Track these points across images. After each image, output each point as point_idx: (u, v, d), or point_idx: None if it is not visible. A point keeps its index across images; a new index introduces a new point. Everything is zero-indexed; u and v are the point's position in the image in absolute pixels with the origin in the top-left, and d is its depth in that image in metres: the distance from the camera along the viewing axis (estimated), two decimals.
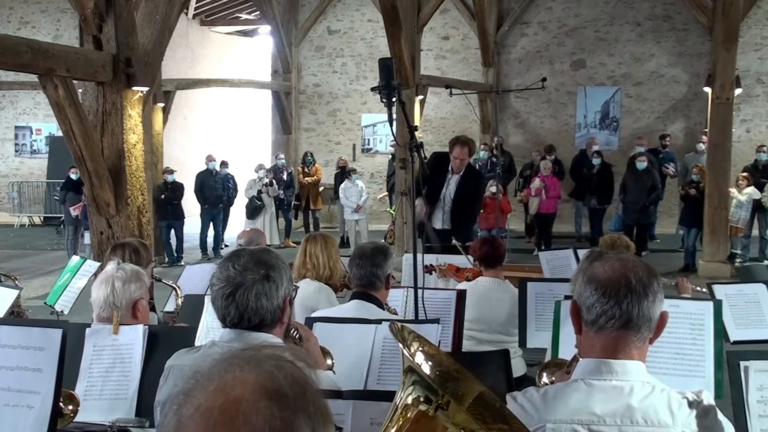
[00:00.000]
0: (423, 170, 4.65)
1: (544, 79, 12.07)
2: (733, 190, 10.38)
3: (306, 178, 13.74)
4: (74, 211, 11.09)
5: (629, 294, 1.65)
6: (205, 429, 0.84)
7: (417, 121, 10.18)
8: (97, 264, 4.69)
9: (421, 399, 1.09)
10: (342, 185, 12.82)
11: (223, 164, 12.71)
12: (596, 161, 12.29)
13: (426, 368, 1.13)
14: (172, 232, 11.76)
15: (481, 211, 9.42)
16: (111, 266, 2.79)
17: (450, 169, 6.44)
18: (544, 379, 2.42)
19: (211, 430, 0.84)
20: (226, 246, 12.45)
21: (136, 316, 2.74)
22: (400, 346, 1.16)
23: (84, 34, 6.01)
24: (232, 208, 12.96)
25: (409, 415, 1.10)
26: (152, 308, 3.72)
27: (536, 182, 11.69)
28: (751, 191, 10.35)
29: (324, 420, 0.90)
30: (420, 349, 1.14)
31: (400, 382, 1.15)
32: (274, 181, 12.85)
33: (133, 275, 2.75)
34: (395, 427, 1.11)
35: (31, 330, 2.36)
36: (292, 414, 0.86)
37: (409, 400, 1.11)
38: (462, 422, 1.06)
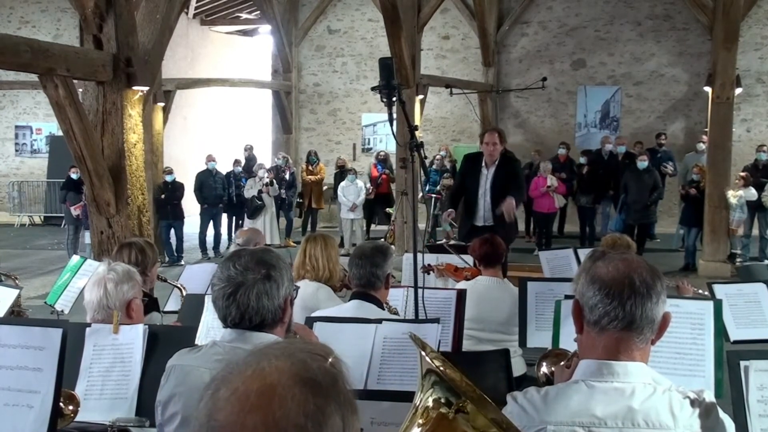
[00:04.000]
0: (424, 170, 4.65)
1: (544, 79, 12.12)
2: (728, 192, 10.35)
3: (309, 176, 13.73)
4: (75, 211, 11.08)
5: (633, 295, 1.64)
6: (241, 411, 0.87)
7: (417, 121, 10.18)
8: (98, 263, 4.68)
9: (442, 401, 1.10)
10: (341, 184, 12.84)
11: (236, 162, 13.05)
12: (583, 160, 12.27)
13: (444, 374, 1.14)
14: (172, 231, 11.76)
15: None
16: (102, 268, 2.77)
17: (484, 163, 6.34)
18: (543, 369, 2.43)
19: (246, 412, 0.87)
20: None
21: (131, 316, 2.73)
22: (420, 351, 1.17)
23: (84, 33, 6.02)
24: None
25: (430, 416, 1.11)
26: (155, 307, 3.70)
27: (551, 179, 11.67)
28: (743, 193, 10.25)
29: (352, 410, 0.94)
30: (440, 368, 1.15)
31: (418, 385, 1.16)
32: (274, 180, 12.85)
33: (124, 276, 2.73)
34: (416, 427, 1.13)
35: (31, 329, 2.36)
36: (324, 401, 0.90)
37: (430, 402, 1.12)
38: (482, 427, 1.07)
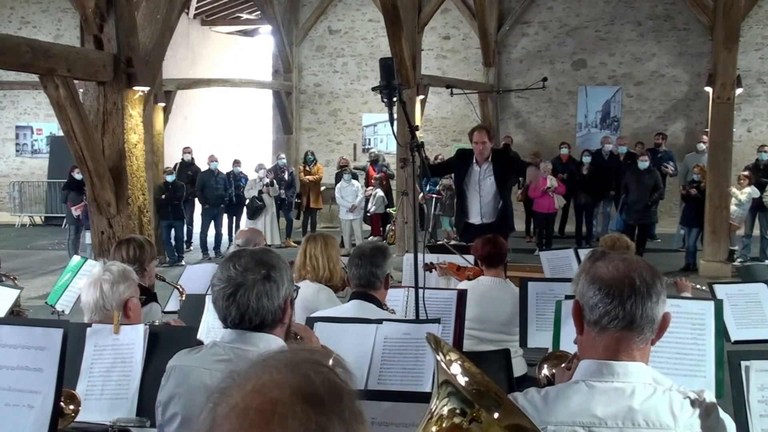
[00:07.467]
0: (424, 170, 4.64)
1: (544, 79, 12.10)
2: (734, 189, 10.37)
3: (307, 177, 13.74)
4: (75, 211, 11.07)
5: (633, 295, 1.64)
6: (240, 429, 0.84)
7: (418, 121, 10.17)
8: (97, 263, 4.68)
9: (457, 411, 1.10)
10: (338, 185, 12.84)
11: (236, 162, 12.97)
12: (586, 159, 12.25)
13: (461, 380, 1.14)
14: (173, 231, 11.77)
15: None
16: (97, 268, 2.76)
17: (474, 160, 6.27)
18: (545, 371, 2.43)
19: (246, 430, 0.84)
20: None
21: (128, 316, 2.72)
22: (437, 357, 1.17)
23: (85, 33, 6.02)
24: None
25: (444, 425, 1.11)
26: (154, 298, 3.70)
27: (551, 180, 11.68)
28: (751, 190, 10.33)
29: (358, 426, 0.90)
30: (458, 362, 1.15)
31: (434, 392, 1.16)
32: (274, 180, 12.85)
33: (120, 276, 2.72)
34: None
35: (32, 330, 2.36)
36: (327, 419, 0.86)
37: (445, 411, 1.12)
38: None
